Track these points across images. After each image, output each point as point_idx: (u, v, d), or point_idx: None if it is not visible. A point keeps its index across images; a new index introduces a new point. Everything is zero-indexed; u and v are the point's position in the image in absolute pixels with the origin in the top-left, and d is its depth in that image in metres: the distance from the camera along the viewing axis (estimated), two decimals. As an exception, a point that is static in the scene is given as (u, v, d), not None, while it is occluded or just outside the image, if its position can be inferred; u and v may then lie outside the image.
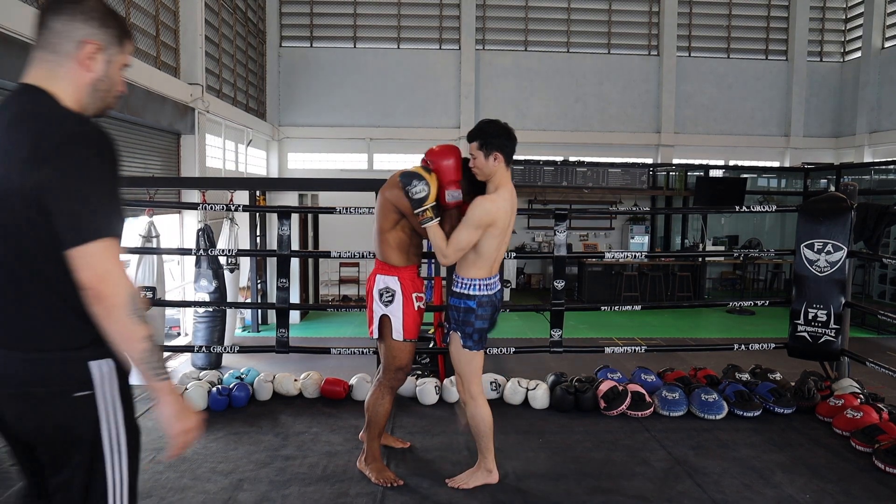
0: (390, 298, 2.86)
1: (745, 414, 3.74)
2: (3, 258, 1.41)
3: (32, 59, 1.47)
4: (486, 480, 2.86)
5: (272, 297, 9.76)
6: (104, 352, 1.45)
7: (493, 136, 2.68)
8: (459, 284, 2.74)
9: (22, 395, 1.42)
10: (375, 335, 2.95)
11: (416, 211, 2.68)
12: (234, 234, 8.39)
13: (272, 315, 9.63)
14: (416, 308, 2.89)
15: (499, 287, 2.80)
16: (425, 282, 3.16)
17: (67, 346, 1.43)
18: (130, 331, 1.37)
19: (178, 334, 9.35)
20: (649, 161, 13.89)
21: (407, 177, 2.68)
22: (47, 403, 1.42)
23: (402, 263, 2.88)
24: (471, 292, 2.71)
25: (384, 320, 2.89)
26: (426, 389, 3.95)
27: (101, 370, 1.45)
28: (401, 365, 2.94)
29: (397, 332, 2.87)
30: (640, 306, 4.77)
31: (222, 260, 7.86)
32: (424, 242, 2.96)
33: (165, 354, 6.95)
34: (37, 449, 1.51)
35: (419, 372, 5.19)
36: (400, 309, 2.85)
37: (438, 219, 2.72)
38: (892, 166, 11.62)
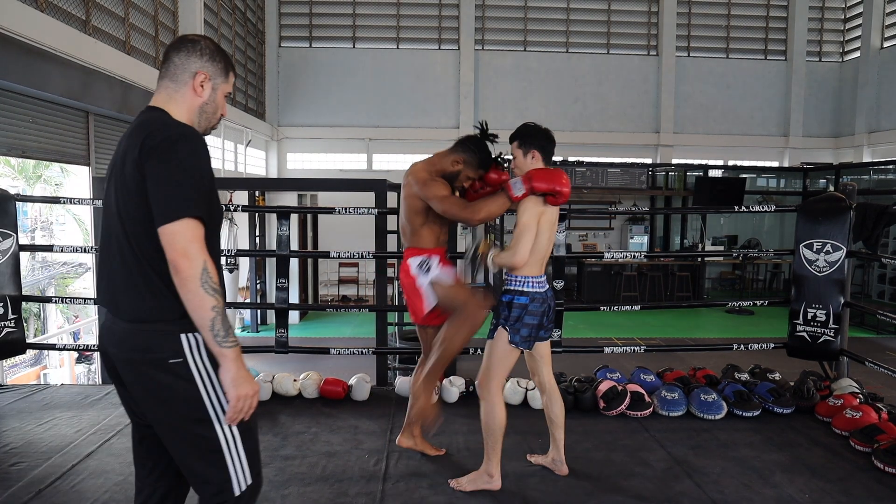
0: (429, 266, 2.95)
1: (744, 414, 3.74)
2: (120, 239, 1.69)
3: (158, 86, 1.81)
4: (487, 486, 2.84)
5: (271, 297, 9.75)
6: (193, 325, 1.65)
7: (532, 136, 2.79)
8: (512, 282, 2.78)
9: (128, 360, 1.69)
10: (428, 309, 2.97)
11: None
12: (234, 235, 8.39)
13: (271, 315, 9.63)
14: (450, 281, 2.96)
15: (548, 285, 2.85)
16: None
17: (162, 318, 1.67)
18: (201, 300, 1.59)
19: (178, 334, 9.35)
20: (648, 161, 13.90)
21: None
22: (149, 368, 1.66)
23: (433, 246, 3.00)
24: (525, 289, 2.75)
25: (434, 288, 2.94)
26: (425, 389, 3.95)
27: (189, 341, 1.68)
28: (466, 299, 2.89)
29: (449, 280, 2.93)
30: (639, 306, 4.77)
31: (222, 260, 7.85)
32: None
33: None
34: (141, 411, 1.76)
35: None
36: (440, 270, 2.94)
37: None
38: (890, 166, 11.62)
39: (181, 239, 1.59)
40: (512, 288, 2.78)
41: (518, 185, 2.72)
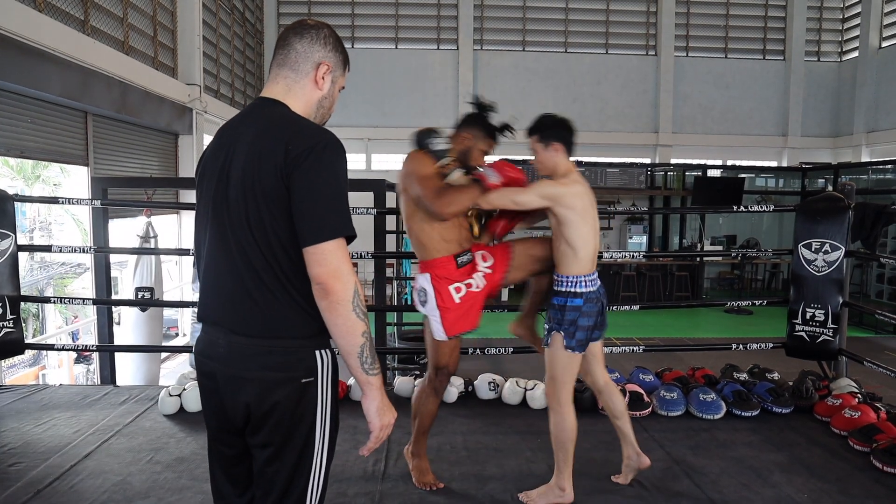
0: (424, 298, 2.73)
1: (743, 414, 3.74)
2: (251, 252, 1.52)
3: (273, 75, 1.65)
4: (559, 500, 2.66)
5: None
6: (326, 342, 1.60)
7: (551, 127, 2.66)
8: (563, 283, 2.61)
9: (258, 380, 1.53)
10: (440, 338, 2.77)
11: (439, 163, 2.66)
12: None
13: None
14: (456, 301, 2.69)
15: (600, 283, 2.68)
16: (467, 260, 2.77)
17: (299, 335, 1.56)
18: (352, 325, 1.49)
19: (177, 335, 9.35)
20: (647, 161, 13.90)
21: (423, 133, 2.73)
22: (280, 387, 1.53)
23: (430, 256, 2.71)
24: (577, 289, 2.59)
25: (427, 320, 2.79)
26: (424, 390, 3.95)
27: (322, 359, 1.58)
28: (439, 364, 2.81)
29: (437, 332, 2.74)
30: (638, 306, 4.78)
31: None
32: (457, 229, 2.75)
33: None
34: (255, 431, 1.57)
35: (417, 372, 5.19)
36: (434, 307, 2.69)
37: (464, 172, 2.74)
38: (889, 166, 11.63)
39: (333, 259, 1.46)
40: (563, 290, 2.61)
41: (491, 173, 2.62)
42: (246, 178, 1.51)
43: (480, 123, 2.79)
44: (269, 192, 1.49)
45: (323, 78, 1.65)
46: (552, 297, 2.66)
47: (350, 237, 1.51)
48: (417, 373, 4.97)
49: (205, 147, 8.29)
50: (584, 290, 2.59)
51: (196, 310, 1.75)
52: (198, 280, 6.48)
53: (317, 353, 1.57)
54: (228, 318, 1.57)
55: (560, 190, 2.56)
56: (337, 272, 1.46)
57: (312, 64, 1.63)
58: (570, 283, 2.60)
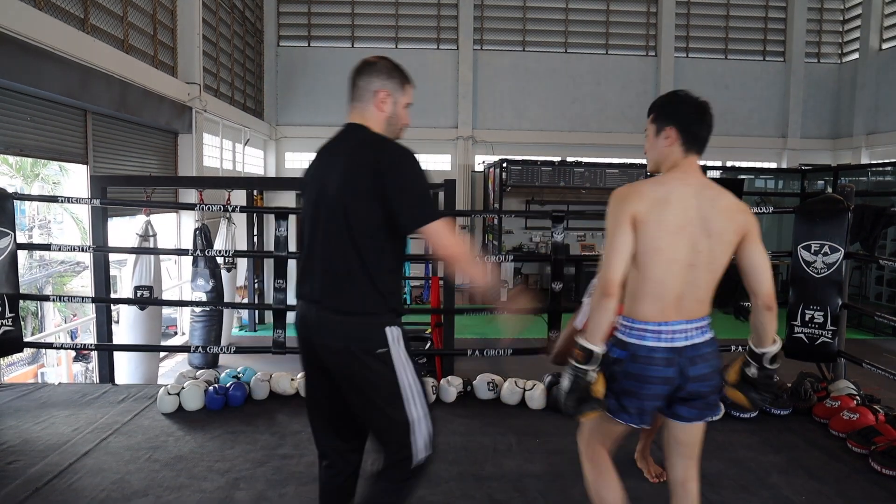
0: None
1: (741, 415, 3.74)
2: (344, 243, 1.93)
3: (351, 107, 2.06)
4: None
5: (269, 297, 9.74)
6: (394, 321, 1.98)
7: (671, 107, 2.02)
8: (619, 324, 1.96)
9: (344, 349, 1.93)
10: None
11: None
12: (232, 234, 8.38)
13: (269, 314, 9.62)
14: None
15: (695, 342, 1.91)
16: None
17: (373, 313, 1.95)
18: (480, 272, 1.97)
19: (175, 334, 9.34)
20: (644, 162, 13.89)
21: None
22: (361, 356, 1.92)
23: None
24: (626, 338, 1.93)
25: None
26: (423, 389, 3.95)
27: (391, 334, 1.95)
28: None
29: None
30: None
31: (219, 259, 7.84)
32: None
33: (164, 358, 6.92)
34: (345, 390, 2.01)
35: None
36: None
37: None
38: (889, 168, 11.63)
39: (447, 235, 1.91)
40: (616, 334, 1.96)
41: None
42: (343, 186, 1.92)
43: None
44: (365, 194, 1.90)
45: (384, 102, 2.02)
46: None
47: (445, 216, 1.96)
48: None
49: (205, 146, 8.25)
50: (633, 340, 1.92)
51: (296, 290, 2.11)
52: (197, 279, 6.46)
53: (386, 329, 1.94)
54: (322, 295, 1.98)
55: (625, 207, 1.90)
56: (453, 243, 1.92)
57: (371, 93, 2.02)
58: (622, 328, 1.95)
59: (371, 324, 1.94)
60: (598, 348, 1.86)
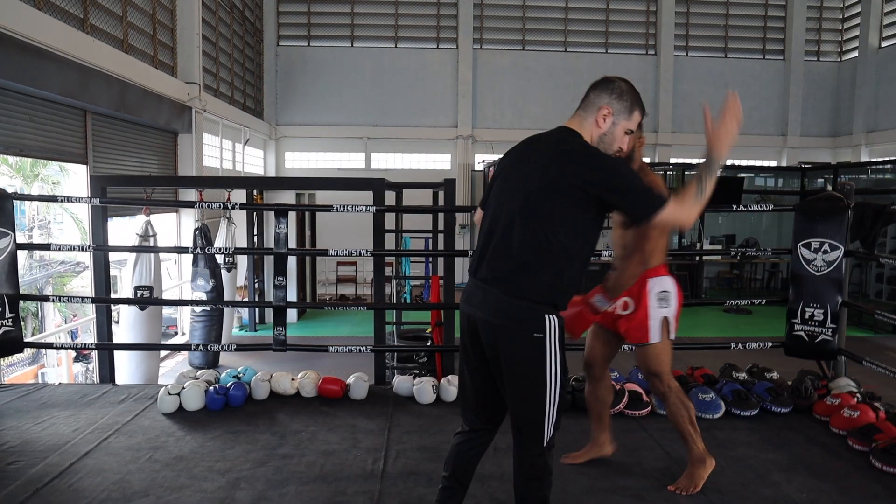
0: (666, 301, 2.82)
1: (742, 413, 3.74)
2: (532, 238, 2.05)
3: (575, 113, 2.20)
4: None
5: (269, 295, 9.74)
6: (555, 310, 2.08)
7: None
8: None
9: (503, 326, 2.06)
10: (654, 339, 2.80)
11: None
12: (232, 233, 8.38)
13: (269, 314, 9.62)
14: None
15: None
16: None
17: (537, 300, 2.06)
18: (698, 207, 2.06)
19: (176, 333, 9.35)
20: (646, 160, 13.86)
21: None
22: (518, 336, 2.06)
23: (660, 262, 2.87)
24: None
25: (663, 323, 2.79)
26: (423, 389, 3.94)
27: (550, 322, 2.06)
28: (669, 368, 2.84)
29: (668, 333, 2.82)
30: (637, 305, 4.75)
31: (219, 259, 7.85)
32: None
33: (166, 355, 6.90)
34: (497, 367, 2.11)
35: (416, 371, 5.19)
36: (674, 308, 2.82)
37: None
38: (888, 166, 11.64)
39: (674, 216, 2.02)
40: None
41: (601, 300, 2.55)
42: (545, 182, 2.05)
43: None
44: (564, 191, 2.03)
45: (604, 119, 2.14)
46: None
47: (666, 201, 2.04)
48: (417, 371, 4.96)
49: (205, 146, 8.24)
50: None
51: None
52: (197, 279, 6.45)
53: (546, 316, 2.05)
54: (495, 277, 2.10)
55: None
56: (678, 220, 2.06)
57: (596, 107, 2.15)
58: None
59: (533, 309, 2.05)
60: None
